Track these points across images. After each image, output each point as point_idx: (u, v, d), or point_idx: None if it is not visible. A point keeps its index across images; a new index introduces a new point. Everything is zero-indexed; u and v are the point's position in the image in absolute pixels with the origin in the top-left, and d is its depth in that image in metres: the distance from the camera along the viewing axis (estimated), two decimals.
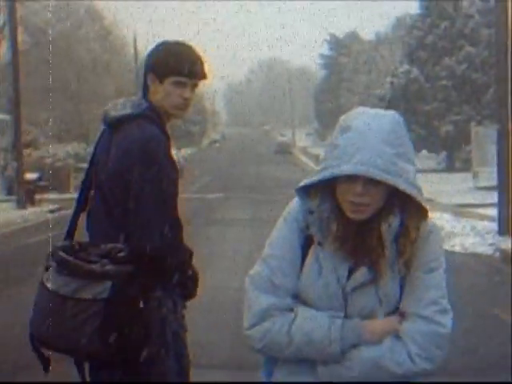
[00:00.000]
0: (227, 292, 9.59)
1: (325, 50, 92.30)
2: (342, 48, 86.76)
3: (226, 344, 7.54)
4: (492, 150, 22.43)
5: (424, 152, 47.60)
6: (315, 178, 2.40)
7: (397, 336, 2.42)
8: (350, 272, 2.44)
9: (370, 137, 2.33)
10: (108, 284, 3.33)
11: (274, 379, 2.57)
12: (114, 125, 3.59)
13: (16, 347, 6.67)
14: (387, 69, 61.61)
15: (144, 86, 3.69)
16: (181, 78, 3.61)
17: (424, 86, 44.63)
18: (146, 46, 53.21)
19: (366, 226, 2.42)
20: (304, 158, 64.96)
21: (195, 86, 3.68)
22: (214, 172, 41.58)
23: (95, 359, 3.47)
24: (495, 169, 17.73)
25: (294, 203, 2.58)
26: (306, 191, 2.48)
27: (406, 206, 2.41)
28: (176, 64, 3.60)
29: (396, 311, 2.46)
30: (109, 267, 3.37)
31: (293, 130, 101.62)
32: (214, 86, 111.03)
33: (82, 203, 3.74)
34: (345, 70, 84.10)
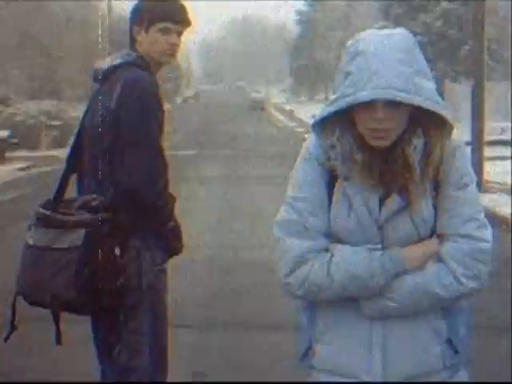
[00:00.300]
0: (200, 250, 9.57)
1: (300, 5, 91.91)
2: (318, 4, 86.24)
3: (198, 302, 7.49)
4: (466, 106, 22.46)
5: None
6: (330, 109, 2.30)
7: (439, 258, 2.36)
8: (381, 202, 2.36)
9: (383, 58, 2.23)
10: (82, 232, 3.39)
11: (317, 325, 2.49)
12: (105, 76, 3.67)
13: None
14: (363, 25, 61.30)
15: (130, 41, 3.77)
16: (165, 24, 3.68)
17: None
18: (119, 3, 52.72)
19: (391, 152, 2.33)
20: (278, 115, 64.81)
21: (180, 33, 3.75)
22: (187, 129, 41.43)
23: (71, 308, 3.49)
24: (469, 124, 17.73)
25: (311, 141, 2.46)
26: (321, 127, 2.36)
27: (428, 125, 2.32)
28: (160, 10, 3.69)
29: (432, 235, 2.39)
30: (83, 216, 3.45)
31: (267, 87, 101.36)
32: (187, 43, 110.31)
33: (72, 164, 3.78)
34: (320, 26, 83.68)
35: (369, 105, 2.23)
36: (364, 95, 2.21)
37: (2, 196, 16.25)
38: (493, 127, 21.90)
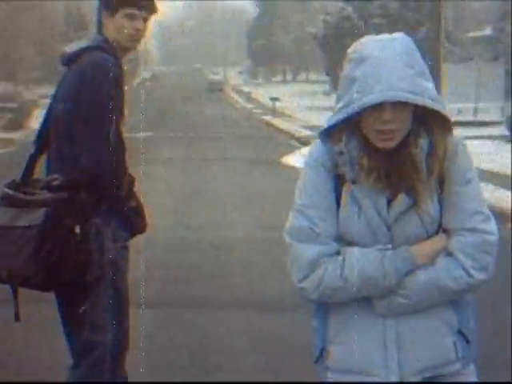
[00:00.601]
0: (159, 230, 9.57)
1: None
2: None
3: (158, 282, 7.52)
4: None
5: None
6: (339, 116, 2.39)
7: (447, 253, 2.45)
8: (389, 203, 2.44)
9: (388, 62, 2.32)
10: (43, 211, 3.48)
11: (330, 326, 2.56)
12: (72, 59, 3.75)
13: None
14: (320, 7, 61.36)
15: (98, 25, 3.85)
16: (131, 10, 3.77)
17: (357, 24, 44.61)
18: None
19: (397, 154, 2.41)
20: (236, 96, 64.75)
21: (146, 19, 3.84)
22: (144, 111, 41.21)
23: (31, 284, 3.58)
24: None
25: (316, 148, 2.54)
26: (327, 134, 2.45)
27: (431, 125, 2.42)
28: None
29: (439, 231, 2.48)
30: (44, 195, 3.55)
31: (225, 68, 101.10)
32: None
33: (39, 145, 3.86)
34: (278, 9, 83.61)
35: (376, 108, 2.31)
36: (373, 98, 2.30)
37: None
38: (450, 109, 22.07)
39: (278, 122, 34.50)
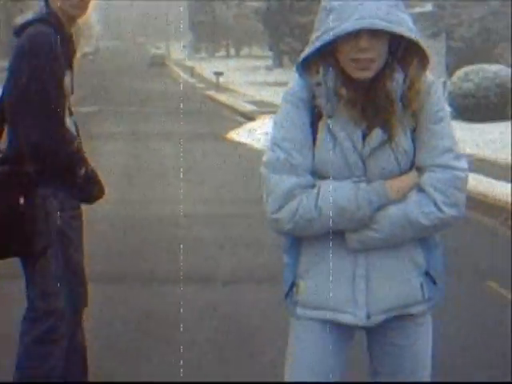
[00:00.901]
0: (105, 205, 9.52)
1: None
2: None
3: (103, 257, 7.50)
4: None
5: None
6: (316, 45, 2.42)
7: (420, 189, 2.49)
8: (364, 137, 2.47)
9: None
10: None
11: (301, 261, 2.60)
12: (17, 32, 3.78)
13: None
14: None
15: None
16: None
17: None
18: None
19: (373, 87, 2.45)
20: (179, 71, 64.27)
21: None
22: (86, 85, 40.80)
23: None
24: None
25: (294, 83, 2.57)
26: (304, 67, 2.47)
27: (406, 59, 2.46)
28: None
29: (412, 168, 2.53)
30: None
31: (167, 43, 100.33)
32: None
33: None
34: None
35: (352, 36, 2.35)
36: (349, 26, 2.33)
37: None
38: None
39: (221, 97, 34.42)
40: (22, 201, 3.63)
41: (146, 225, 9.40)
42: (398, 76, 2.44)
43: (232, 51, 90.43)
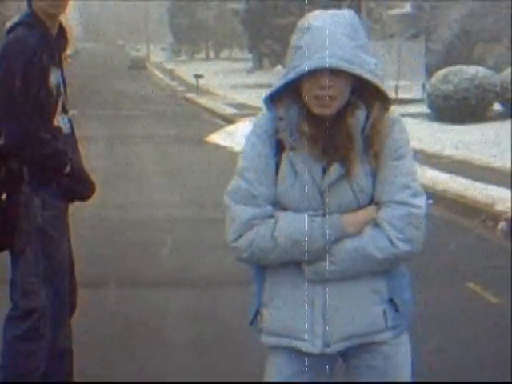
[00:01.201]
0: (86, 209, 9.51)
1: None
2: None
3: (86, 261, 7.49)
4: None
5: (279, 67, 47.85)
6: (281, 82, 2.49)
7: (376, 224, 2.53)
8: (324, 171, 2.53)
9: (330, 32, 2.43)
10: None
11: (266, 289, 2.66)
12: (5, 36, 3.90)
13: None
14: None
15: (28, 1, 3.95)
16: None
17: (279, 0, 44.64)
18: None
19: (335, 124, 2.50)
20: (159, 73, 64.21)
21: None
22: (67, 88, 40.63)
23: None
24: None
25: (260, 116, 2.65)
26: (271, 100, 2.54)
27: (369, 100, 2.51)
28: None
29: (371, 204, 2.57)
30: None
31: (147, 45, 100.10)
32: None
33: None
34: None
35: (315, 74, 2.41)
36: (311, 64, 2.40)
37: None
38: None
39: (201, 100, 34.43)
40: (4, 196, 3.73)
41: (126, 228, 9.41)
42: (360, 113, 2.51)
43: (212, 54, 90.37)
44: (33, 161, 3.80)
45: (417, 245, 2.55)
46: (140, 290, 6.90)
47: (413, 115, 20.99)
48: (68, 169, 3.89)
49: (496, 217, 9.29)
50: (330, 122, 2.50)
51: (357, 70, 2.42)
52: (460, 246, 8.20)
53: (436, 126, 20.27)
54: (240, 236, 2.57)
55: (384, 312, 2.59)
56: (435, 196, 9.97)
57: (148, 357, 5.20)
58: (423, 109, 22.86)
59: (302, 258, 2.53)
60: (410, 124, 20.69)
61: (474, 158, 14.40)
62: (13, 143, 3.76)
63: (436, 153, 15.38)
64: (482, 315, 6.10)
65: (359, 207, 2.55)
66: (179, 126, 23.89)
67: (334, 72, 2.41)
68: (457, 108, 20.22)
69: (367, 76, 2.44)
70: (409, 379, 2.72)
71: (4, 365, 3.90)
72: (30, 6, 3.94)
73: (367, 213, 2.55)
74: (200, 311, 6.25)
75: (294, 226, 2.51)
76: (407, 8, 41.74)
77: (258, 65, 57.22)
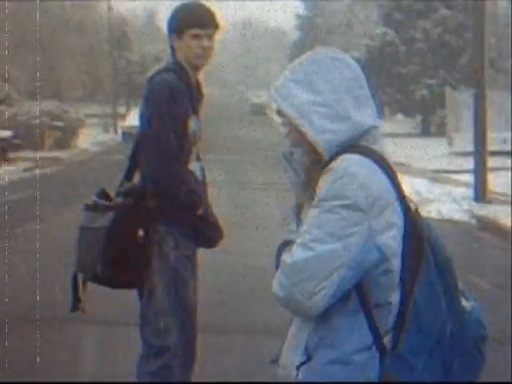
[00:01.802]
0: (207, 255, 9.62)
1: (300, 10, 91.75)
2: (318, 9, 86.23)
3: (208, 307, 7.57)
4: (466, 114, 22.42)
5: (399, 116, 47.63)
6: None
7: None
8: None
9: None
10: (111, 214, 3.86)
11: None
12: (147, 83, 4.11)
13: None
14: (362, 30, 61.33)
15: (171, 49, 4.15)
16: (195, 30, 4.04)
17: (399, 49, 44.53)
18: (118, 4, 52.69)
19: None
20: (279, 119, 64.46)
21: (211, 36, 4.11)
22: None
23: (99, 281, 3.98)
24: (470, 134, 17.71)
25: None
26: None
27: (308, 149, 2.54)
28: (189, 18, 4.07)
29: None
30: (116, 201, 3.97)
31: (268, 91, 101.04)
32: None
33: (132, 160, 4.17)
34: (320, 31, 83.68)
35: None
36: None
37: (7, 196, 16.27)
38: (494, 137, 21.78)
39: None
40: (141, 233, 3.87)
41: (246, 275, 9.49)
42: (307, 159, 2.53)
43: None
44: (172, 198, 3.92)
45: (284, 293, 2.42)
46: (261, 338, 6.92)
47: None
48: (202, 211, 4.00)
49: None
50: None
51: (280, 104, 2.58)
52: None
53: None
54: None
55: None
56: None
57: None
58: None
59: None
60: None
61: None
62: (152, 180, 3.91)
63: None
64: None
65: None
66: None
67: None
68: None
69: (289, 112, 2.55)
70: None
71: None
72: (173, 55, 4.10)
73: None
74: None
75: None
76: None
77: (378, 113, 56.96)
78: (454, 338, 2.43)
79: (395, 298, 2.41)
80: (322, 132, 2.46)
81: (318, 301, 2.37)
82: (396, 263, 2.39)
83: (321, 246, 2.36)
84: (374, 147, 2.49)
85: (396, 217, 2.40)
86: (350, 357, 2.38)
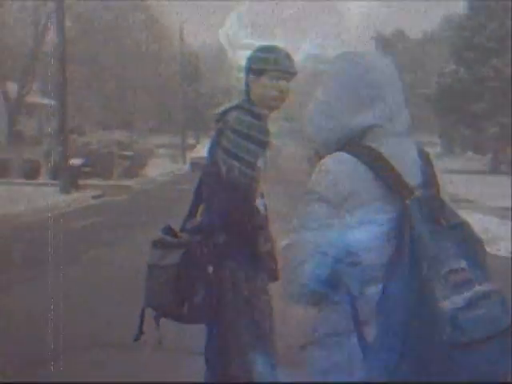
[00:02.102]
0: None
1: (372, 48, 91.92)
2: (389, 46, 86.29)
3: None
4: None
5: (469, 153, 47.18)
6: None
7: None
8: None
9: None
10: (180, 251, 3.88)
11: None
12: (217, 119, 4.11)
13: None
14: (433, 68, 61.09)
15: (246, 87, 4.17)
16: (275, 73, 4.09)
17: (471, 87, 44.23)
18: (192, 35, 53.37)
19: None
20: None
21: (288, 80, 4.16)
22: None
23: (174, 317, 4.00)
24: None
25: None
26: None
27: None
28: (270, 61, 4.10)
29: None
30: (184, 238, 3.99)
31: None
32: None
33: (198, 194, 4.18)
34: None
35: None
36: None
37: (76, 223, 16.42)
38: None
39: None
40: (210, 270, 3.86)
41: None
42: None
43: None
44: (237, 232, 3.90)
45: (295, 298, 2.55)
46: None
47: None
48: (268, 246, 3.99)
49: None
50: None
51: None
52: None
53: None
54: None
55: None
56: None
57: None
58: None
59: None
60: None
61: None
62: (221, 215, 3.87)
63: None
64: None
65: None
66: None
67: None
68: None
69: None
70: None
71: None
72: (247, 93, 4.11)
73: None
74: None
75: None
76: None
77: (448, 150, 56.57)
78: (425, 340, 2.30)
79: (371, 291, 2.41)
80: (319, 130, 2.60)
81: (294, 287, 2.51)
82: (369, 257, 2.41)
83: (295, 236, 2.51)
84: (374, 146, 2.55)
85: (376, 214, 2.42)
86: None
